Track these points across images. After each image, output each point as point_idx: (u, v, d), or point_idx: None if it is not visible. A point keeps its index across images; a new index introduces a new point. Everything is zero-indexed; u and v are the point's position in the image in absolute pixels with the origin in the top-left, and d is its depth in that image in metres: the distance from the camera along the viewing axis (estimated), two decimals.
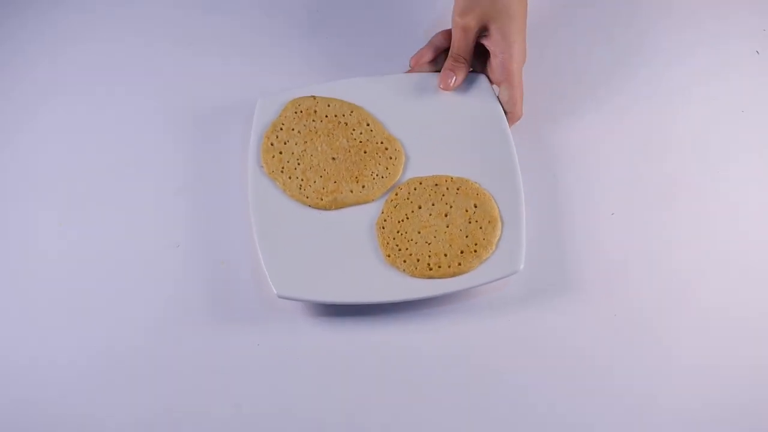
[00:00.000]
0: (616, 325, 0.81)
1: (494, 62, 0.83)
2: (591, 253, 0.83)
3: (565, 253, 0.83)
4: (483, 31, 0.83)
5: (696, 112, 0.90)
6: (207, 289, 0.81)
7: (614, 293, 0.82)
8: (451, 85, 0.84)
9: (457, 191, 0.82)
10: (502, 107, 0.84)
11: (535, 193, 0.84)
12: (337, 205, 0.82)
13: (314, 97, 0.85)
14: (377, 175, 0.83)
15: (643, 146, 0.88)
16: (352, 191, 0.83)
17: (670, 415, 0.78)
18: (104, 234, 0.84)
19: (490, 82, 0.85)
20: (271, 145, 0.84)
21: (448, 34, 0.86)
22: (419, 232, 0.81)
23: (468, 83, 0.86)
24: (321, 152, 0.84)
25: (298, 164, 0.83)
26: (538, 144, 0.88)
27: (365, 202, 0.82)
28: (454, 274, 0.79)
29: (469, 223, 0.81)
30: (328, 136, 0.85)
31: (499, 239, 0.80)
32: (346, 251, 0.80)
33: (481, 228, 0.81)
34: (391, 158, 0.84)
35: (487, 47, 0.84)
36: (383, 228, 0.81)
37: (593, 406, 0.78)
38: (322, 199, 0.82)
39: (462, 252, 0.80)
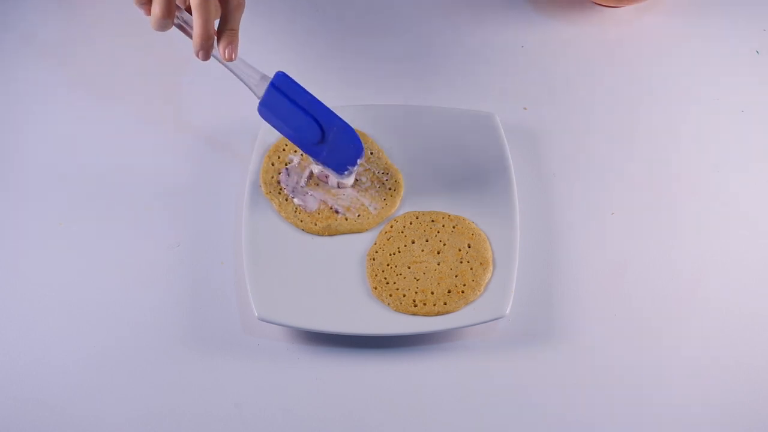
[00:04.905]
0: (616, 325, 0.80)
1: None
2: (591, 252, 0.83)
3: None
4: None
5: (696, 112, 0.90)
6: (206, 291, 0.82)
7: (614, 293, 0.81)
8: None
9: (453, 229, 0.81)
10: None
11: (532, 203, 0.85)
12: (330, 231, 0.82)
13: None
14: (374, 206, 0.83)
15: (642, 146, 0.88)
16: (347, 219, 0.82)
17: (670, 415, 0.77)
18: (104, 234, 0.84)
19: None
20: (272, 165, 0.84)
21: None
22: (409, 267, 0.80)
23: (477, 122, 0.85)
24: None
25: None
26: (536, 144, 0.88)
27: (359, 231, 0.82)
28: (438, 313, 0.78)
29: (461, 262, 0.80)
30: None
31: (489, 282, 0.79)
32: (333, 280, 0.80)
33: (471, 269, 0.79)
34: (390, 189, 0.83)
35: None
36: (373, 259, 0.80)
37: (592, 406, 0.77)
38: (315, 225, 0.82)
39: (449, 291, 0.79)
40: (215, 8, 0.74)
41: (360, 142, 0.81)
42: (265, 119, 0.79)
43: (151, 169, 0.87)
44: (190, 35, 0.76)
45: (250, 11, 0.95)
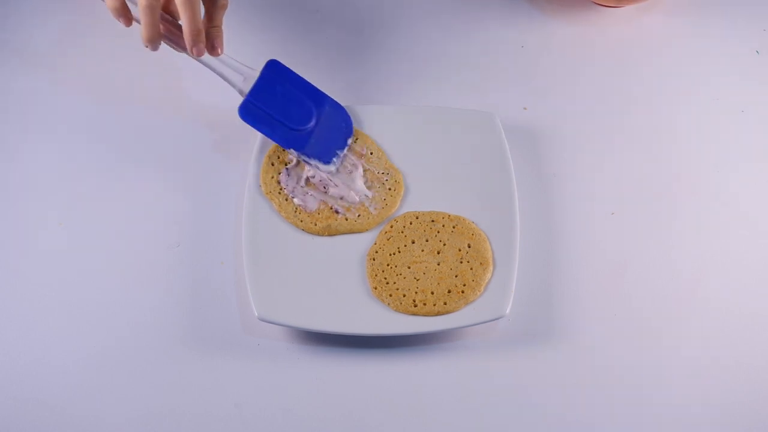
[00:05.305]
0: (616, 325, 0.80)
1: None
2: (591, 252, 0.83)
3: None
4: None
5: (696, 112, 0.90)
6: (206, 291, 0.82)
7: (614, 293, 0.81)
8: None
9: (453, 229, 0.81)
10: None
11: (532, 203, 0.85)
12: (330, 232, 0.82)
13: None
14: (374, 206, 0.83)
15: (643, 146, 0.88)
16: (347, 219, 0.82)
17: (670, 415, 0.77)
18: (104, 234, 0.84)
19: None
20: (272, 165, 0.84)
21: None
22: (409, 267, 0.80)
23: (477, 122, 0.85)
24: None
25: None
26: (536, 144, 0.88)
27: (359, 231, 0.82)
28: (438, 313, 0.78)
29: (461, 262, 0.80)
30: None
31: (489, 282, 0.79)
32: (333, 280, 0.80)
33: (471, 269, 0.79)
34: (390, 189, 0.83)
35: None
36: (374, 259, 0.80)
37: (592, 406, 0.78)
38: (315, 225, 0.82)
39: (449, 291, 0.79)
40: (199, 5, 0.77)
41: (350, 120, 0.84)
42: (248, 118, 0.82)
43: (151, 168, 0.87)
44: (176, 46, 0.81)
45: (247, 10, 0.96)
